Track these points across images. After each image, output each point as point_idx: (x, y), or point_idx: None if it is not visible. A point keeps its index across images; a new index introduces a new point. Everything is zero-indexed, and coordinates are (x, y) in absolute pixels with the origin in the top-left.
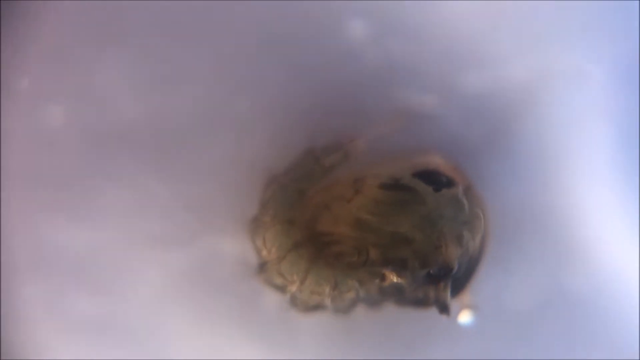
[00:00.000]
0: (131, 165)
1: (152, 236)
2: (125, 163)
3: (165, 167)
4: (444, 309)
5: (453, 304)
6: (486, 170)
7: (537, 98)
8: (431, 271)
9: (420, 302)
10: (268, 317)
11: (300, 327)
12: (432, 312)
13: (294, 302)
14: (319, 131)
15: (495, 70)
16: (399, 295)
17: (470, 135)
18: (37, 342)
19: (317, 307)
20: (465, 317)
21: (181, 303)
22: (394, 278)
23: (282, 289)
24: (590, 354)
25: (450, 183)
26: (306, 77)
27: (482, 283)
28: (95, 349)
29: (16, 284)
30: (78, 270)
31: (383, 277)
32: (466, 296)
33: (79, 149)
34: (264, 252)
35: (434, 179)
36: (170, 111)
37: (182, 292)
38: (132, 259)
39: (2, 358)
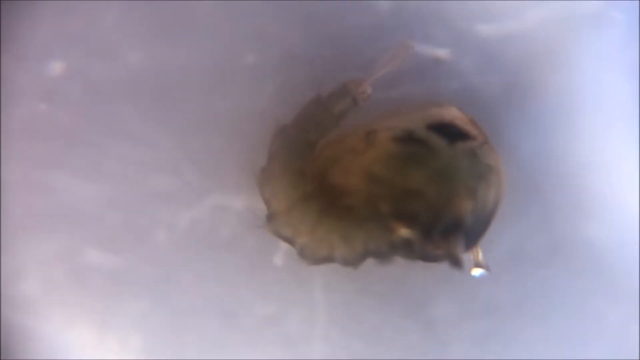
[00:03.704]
0: (136, 118)
1: (159, 192)
2: (130, 116)
3: (171, 120)
4: (456, 263)
5: (464, 258)
6: (502, 121)
7: (556, 46)
8: (443, 225)
9: (430, 256)
10: (279, 274)
11: (313, 283)
12: (442, 266)
13: (302, 254)
14: (327, 82)
15: (513, 16)
16: (408, 249)
17: (486, 85)
18: (46, 296)
19: (326, 259)
20: (476, 272)
21: (189, 261)
22: (404, 232)
23: (291, 240)
24: (604, 299)
25: (465, 136)
26: (313, 26)
27: (499, 232)
28: (105, 300)
29: (21, 238)
30: (85, 226)
31: (393, 231)
32: (478, 251)
33: (82, 102)
34: (273, 204)
35: (449, 132)
36: (176, 63)
37: (190, 249)
38: (139, 215)
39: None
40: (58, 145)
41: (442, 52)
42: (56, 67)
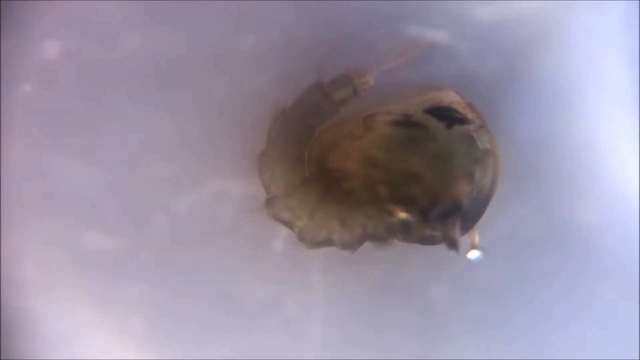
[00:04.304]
0: (134, 102)
1: (158, 176)
2: (129, 100)
3: (170, 104)
4: (452, 245)
5: (461, 241)
6: (500, 104)
7: (554, 28)
8: (440, 208)
9: (428, 239)
10: (278, 258)
11: (311, 266)
12: (439, 249)
13: (301, 237)
14: (326, 67)
15: None
16: (406, 232)
17: (484, 68)
18: (45, 279)
19: (325, 243)
20: (472, 255)
21: (189, 245)
22: (402, 215)
23: (289, 224)
24: (600, 282)
25: (462, 120)
26: (313, 9)
27: (496, 215)
28: (105, 283)
29: (20, 222)
30: (84, 209)
31: (391, 214)
32: (474, 234)
33: (80, 86)
34: (272, 188)
35: (447, 116)
36: (174, 46)
37: (189, 233)
38: (138, 199)
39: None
40: (57, 129)
41: (439, 36)
42: (54, 50)
